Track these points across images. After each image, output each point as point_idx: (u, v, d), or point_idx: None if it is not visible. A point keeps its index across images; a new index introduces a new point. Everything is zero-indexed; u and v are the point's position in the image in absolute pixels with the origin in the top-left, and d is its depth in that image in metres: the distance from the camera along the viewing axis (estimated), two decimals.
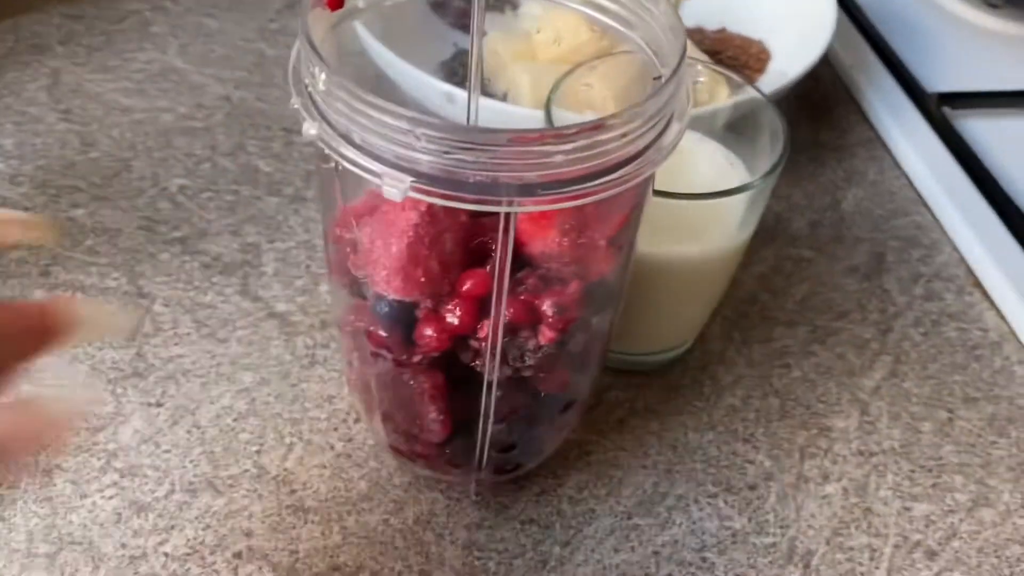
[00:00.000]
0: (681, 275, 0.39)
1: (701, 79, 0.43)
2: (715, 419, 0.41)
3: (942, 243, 0.51)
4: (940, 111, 0.57)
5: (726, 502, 0.38)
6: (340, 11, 0.29)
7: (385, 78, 0.49)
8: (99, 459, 0.37)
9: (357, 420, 0.40)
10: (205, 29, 0.60)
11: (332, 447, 0.39)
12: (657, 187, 0.34)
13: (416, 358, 0.30)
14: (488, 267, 0.29)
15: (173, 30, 0.59)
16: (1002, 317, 0.47)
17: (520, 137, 0.22)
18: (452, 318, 0.29)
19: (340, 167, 0.25)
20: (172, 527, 0.36)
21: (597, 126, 0.23)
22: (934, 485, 0.40)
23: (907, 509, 0.39)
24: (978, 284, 0.49)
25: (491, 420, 0.31)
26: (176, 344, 0.42)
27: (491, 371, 0.29)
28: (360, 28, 0.46)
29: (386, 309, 0.30)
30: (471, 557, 0.36)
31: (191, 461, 0.38)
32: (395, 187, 0.23)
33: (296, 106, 0.25)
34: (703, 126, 0.41)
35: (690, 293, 0.40)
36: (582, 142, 0.23)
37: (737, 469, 0.40)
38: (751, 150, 0.39)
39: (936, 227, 0.52)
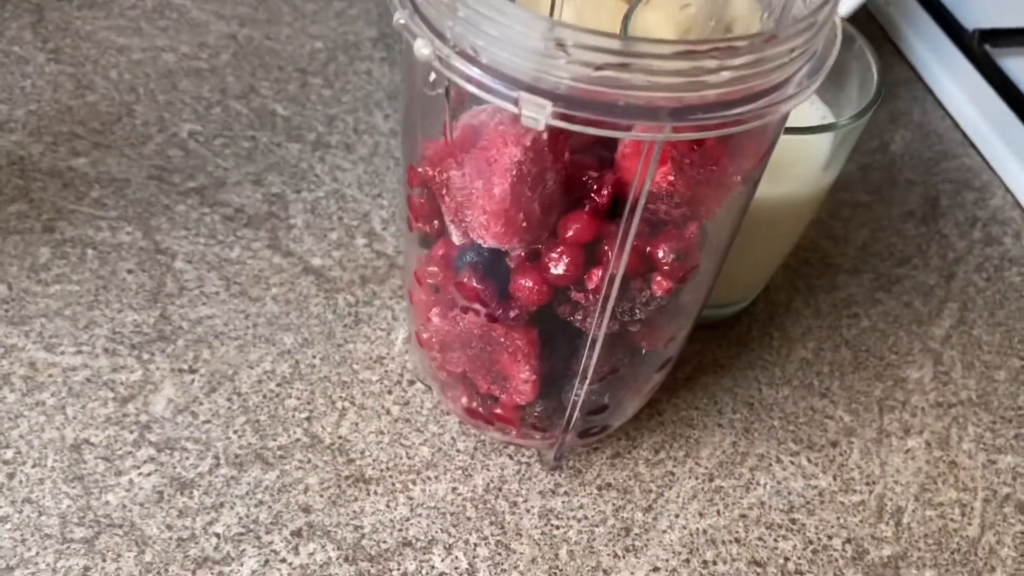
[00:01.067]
0: (760, 219, 0.36)
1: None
2: (788, 373, 0.39)
3: (994, 185, 0.49)
4: (982, 48, 0.54)
5: (809, 460, 0.36)
6: None
7: None
8: (131, 432, 0.34)
9: (412, 382, 0.36)
10: None
11: (388, 411, 0.36)
12: None
13: (513, 312, 0.27)
14: (588, 210, 0.26)
15: None
16: None
17: (687, 51, 0.19)
18: (557, 268, 0.26)
19: (452, 92, 0.21)
20: (221, 505, 0.32)
21: (770, 38, 0.20)
22: (1016, 436, 0.38)
23: (992, 462, 0.37)
24: None
25: (588, 380, 0.28)
26: (204, 304, 0.38)
27: (597, 327, 0.26)
28: None
29: (476, 259, 0.27)
30: (549, 526, 0.33)
31: (235, 432, 0.34)
32: (536, 114, 0.20)
33: (402, 21, 0.21)
34: None
35: (767, 239, 0.37)
36: (750, 57, 0.20)
37: (817, 425, 0.37)
38: (833, 89, 0.37)
39: (986, 169, 0.50)
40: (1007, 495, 0.36)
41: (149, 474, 0.33)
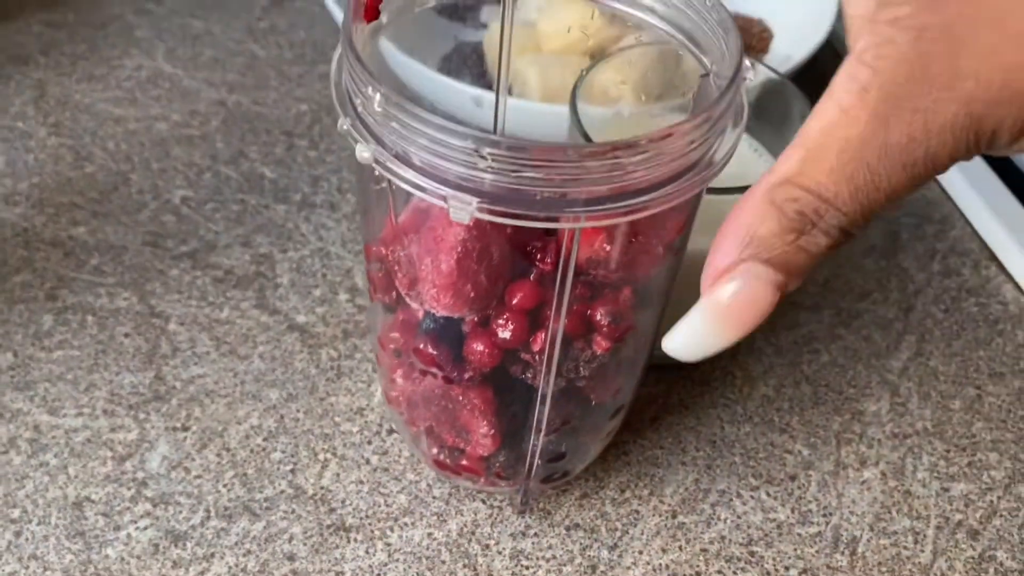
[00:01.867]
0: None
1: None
2: (750, 410, 0.41)
3: (954, 217, 0.51)
4: None
5: (768, 494, 0.38)
6: (366, 26, 0.28)
7: (406, 88, 0.48)
8: (128, 489, 0.36)
9: (390, 432, 0.39)
10: (191, 31, 0.58)
11: (368, 461, 0.38)
12: None
13: (467, 374, 0.29)
14: (532, 277, 0.28)
15: (159, 33, 0.58)
16: (1021, 290, 0.47)
17: (592, 152, 0.21)
18: (504, 333, 0.28)
19: (394, 187, 0.24)
20: (212, 555, 0.35)
21: (667, 134, 0.22)
22: (969, 464, 0.40)
23: (945, 490, 0.39)
24: (994, 257, 0.49)
25: (543, 432, 0.31)
26: (196, 364, 0.41)
27: (545, 384, 0.29)
28: (384, 41, 0.45)
29: (432, 326, 0.29)
30: (519, 566, 0.35)
31: (224, 485, 0.37)
32: (462, 209, 0.22)
33: (345, 127, 0.24)
34: None
35: None
36: (652, 152, 0.22)
37: (776, 460, 0.39)
38: (776, 135, 0.39)
39: (946, 201, 0.52)
40: (959, 521, 0.38)
41: (146, 528, 0.35)
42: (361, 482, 0.37)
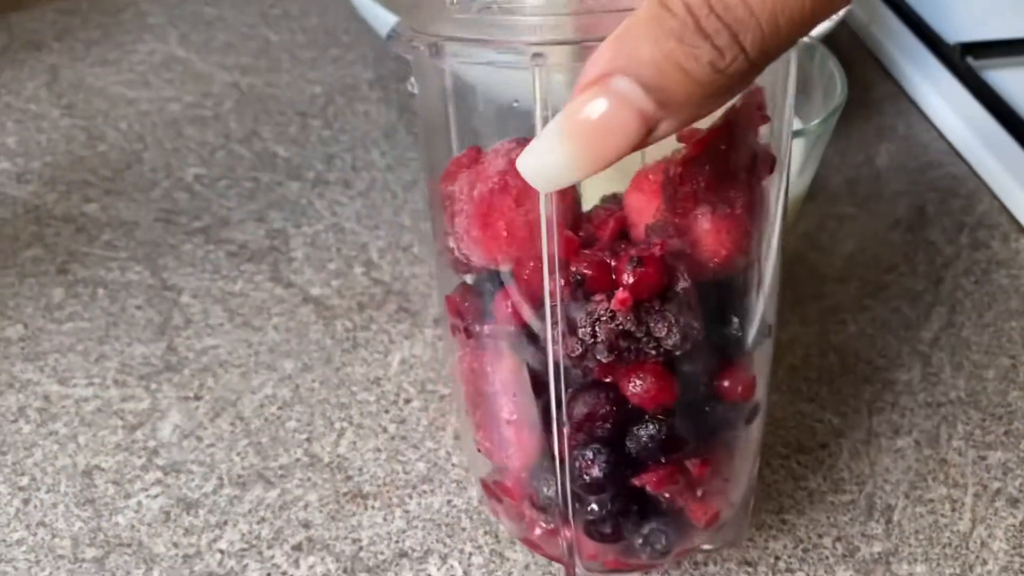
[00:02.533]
0: None
1: None
2: (777, 380, 0.40)
3: (981, 192, 0.50)
4: (964, 62, 0.55)
5: (799, 462, 0.37)
6: None
7: None
8: (139, 457, 0.35)
9: (408, 401, 0.38)
10: (204, 17, 0.58)
11: (385, 430, 0.37)
12: None
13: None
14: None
15: (172, 19, 0.57)
16: None
17: None
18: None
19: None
20: (224, 523, 0.34)
21: None
22: (1006, 432, 0.39)
23: (982, 458, 0.38)
24: (1023, 230, 0.48)
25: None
26: (209, 335, 0.40)
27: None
28: None
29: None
30: None
31: (237, 454, 0.36)
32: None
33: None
34: None
35: None
36: None
37: (806, 429, 0.38)
38: (800, 98, 0.38)
39: (972, 177, 0.51)
40: (998, 489, 0.37)
41: (156, 496, 0.34)
42: (378, 450, 0.36)
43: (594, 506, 0.27)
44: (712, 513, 0.28)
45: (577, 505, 0.27)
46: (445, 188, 0.26)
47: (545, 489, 0.27)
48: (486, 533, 0.34)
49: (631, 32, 0.18)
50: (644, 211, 0.24)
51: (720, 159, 0.23)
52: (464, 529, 0.34)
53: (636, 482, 0.26)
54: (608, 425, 0.25)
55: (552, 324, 0.24)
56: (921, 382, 0.40)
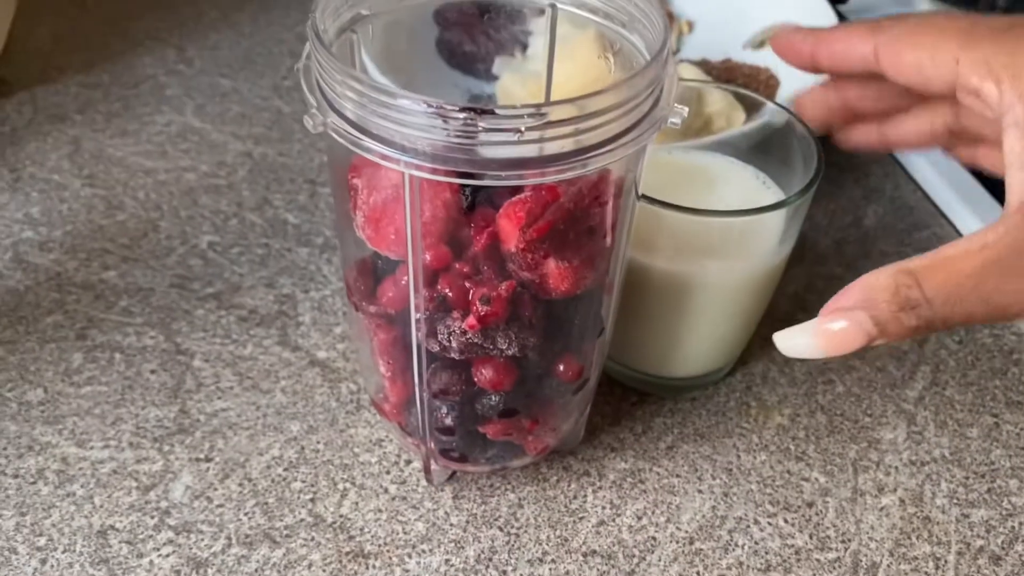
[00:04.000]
0: (725, 293, 0.39)
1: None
2: (765, 439, 0.41)
3: None
4: None
5: (786, 520, 0.38)
6: None
7: None
8: (152, 517, 0.37)
9: (408, 462, 0.39)
10: (220, 89, 0.61)
11: (386, 490, 0.38)
12: (695, 206, 0.35)
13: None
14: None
15: (188, 91, 0.60)
16: None
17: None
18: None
19: None
20: None
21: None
22: (989, 490, 0.40)
23: (966, 516, 0.39)
24: None
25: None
26: (220, 398, 0.42)
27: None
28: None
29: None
30: None
31: (245, 514, 0.37)
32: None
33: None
34: (731, 150, 0.42)
35: (734, 312, 0.40)
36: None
37: (793, 487, 0.39)
38: (783, 169, 0.40)
39: (956, 236, 0.52)
40: (980, 547, 0.38)
41: (168, 555, 0.36)
42: (379, 510, 0.38)
43: (446, 440, 0.35)
44: (542, 447, 0.37)
45: (434, 436, 0.35)
46: (351, 179, 0.31)
47: (412, 421, 0.35)
48: None
49: (874, 289, 0.31)
50: (509, 237, 0.29)
51: (560, 234, 0.29)
52: None
53: (480, 430, 0.34)
54: (459, 397, 0.33)
55: (417, 329, 0.31)
56: (906, 440, 0.42)
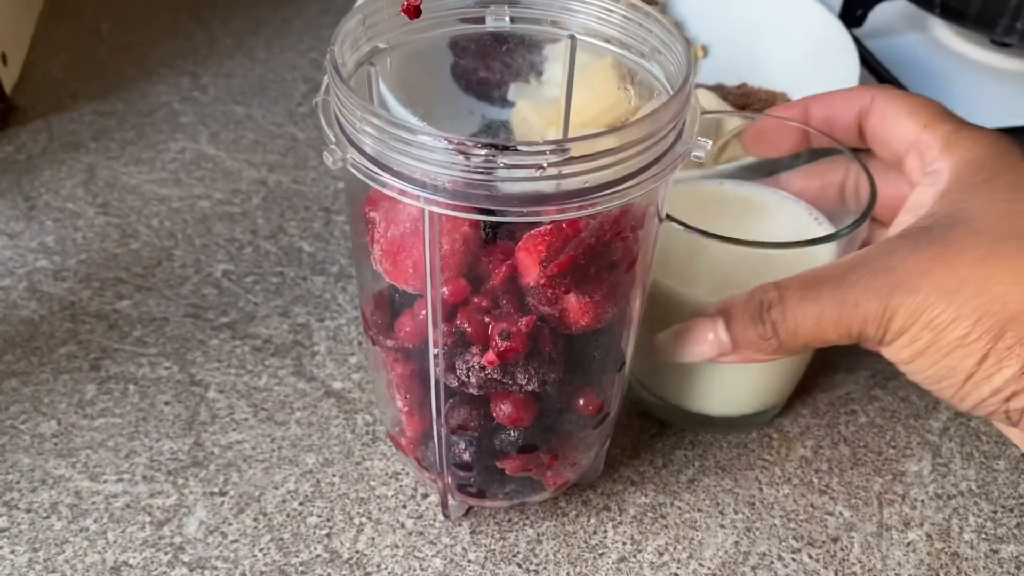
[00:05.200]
0: None
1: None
2: (788, 472, 0.41)
3: None
4: None
5: (810, 556, 0.37)
6: None
7: None
8: (165, 553, 0.37)
9: (425, 496, 0.39)
10: (234, 116, 0.61)
11: (403, 525, 0.38)
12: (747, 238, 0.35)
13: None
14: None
15: (202, 119, 0.60)
16: None
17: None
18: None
19: None
20: None
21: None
22: (1018, 525, 0.39)
23: (995, 551, 0.38)
24: None
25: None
26: (234, 430, 0.41)
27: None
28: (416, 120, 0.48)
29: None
30: None
31: (260, 550, 0.37)
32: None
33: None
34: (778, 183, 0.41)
35: None
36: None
37: (817, 522, 0.39)
38: (840, 205, 0.39)
39: None
40: None
41: None
42: (396, 546, 0.37)
43: (463, 475, 0.35)
44: (561, 482, 0.36)
45: (452, 471, 0.34)
46: (368, 213, 0.30)
47: (429, 455, 0.35)
48: None
49: (736, 304, 0.34)
50: (528, 271, 0.29)
51: (582, 268, 0.29)
52: None
53: (498, 465, 0.34)
54: (477, 432, 0.32)
55: (435, 364, 0.31)
56: (931, 473, 0.41)
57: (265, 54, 0.68)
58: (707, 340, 0.34)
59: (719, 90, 0.59)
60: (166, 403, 0.42)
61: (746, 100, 0.57)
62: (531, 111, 0.52)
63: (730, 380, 0.40)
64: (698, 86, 0.60)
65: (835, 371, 0.45)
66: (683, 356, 0.35)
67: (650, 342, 0.38)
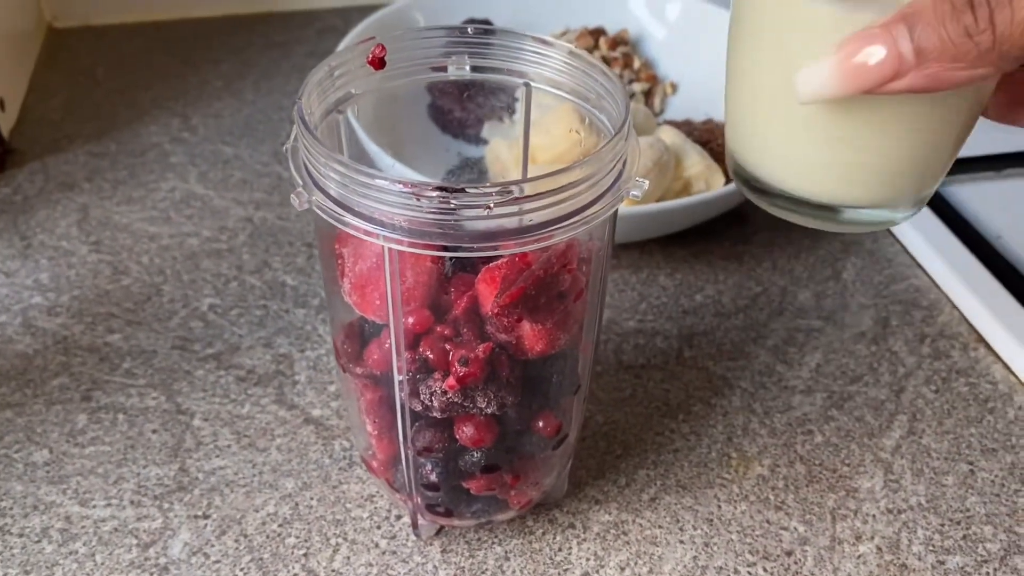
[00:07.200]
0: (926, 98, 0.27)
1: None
2: (746, 490, 0.43)
3: (941, 303, 0.53)
4: None
5: (765, 569, 0.39)
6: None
7: None
8: (151, 574, 0.38)
9: (399, 517, 0.41)
10: (222, 156, 0.63)
11: (377, 545, 0.40)
12: None
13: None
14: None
15: (192, 159, 0.63)
16: (1009, 370, 0.49)
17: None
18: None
19: None
20: None
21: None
22: (964, 537, 0.41)
23: (941, 563, 0.40)
24: (982, 340, 0.51)
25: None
26: (218, 456, 0.43)
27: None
28: (386, 158, 0.50)
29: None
30: None
31: (241, 569, 0.39)
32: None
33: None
34: None
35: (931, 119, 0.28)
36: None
37: (773, 536, 0.41)
38: None
39: (933, 288, 0.54)
40: None
41: None
42: (370, 564, 0.39)
43: (431, 495, 0.37)
44: (525, 501, 0.38)
45: (420, 492, 0.36)
46: (338, 249, 0.33)
47: (399, 477, 0.37)
48: None
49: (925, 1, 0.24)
50: (487, 301, 0.32)
51: (533, 298, 0.31)
52: None
53: (464, 485, 0.36)
54: (442, 454, 0.35)
55: (400, 390, 0.33)
56: (883, 489, 0.43)
57: (253, 95, 0.71)
58: (879, 56, 0.24)
59: (685, 125, 0.62)
60: (153, 431, 0.44)
61: (710, 136, 0.60)
62: (503, 148, 0.55)
63: (875, 145, 0.29)
64: (667, 122, 0.63)
65: (792, 392, 0.47)
66: (839, 87, 0.25)
67: (782, 92, 0.29)
